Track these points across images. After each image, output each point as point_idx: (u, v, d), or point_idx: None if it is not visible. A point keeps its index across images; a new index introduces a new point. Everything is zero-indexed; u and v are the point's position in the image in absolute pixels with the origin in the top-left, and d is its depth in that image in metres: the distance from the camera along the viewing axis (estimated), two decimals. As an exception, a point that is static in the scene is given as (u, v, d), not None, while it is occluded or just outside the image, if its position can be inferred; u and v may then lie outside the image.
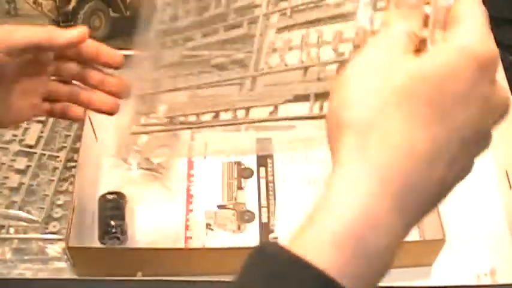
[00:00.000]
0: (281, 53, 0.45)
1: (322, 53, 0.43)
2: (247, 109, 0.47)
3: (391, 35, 0.34)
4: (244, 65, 0.48)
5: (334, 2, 0.43)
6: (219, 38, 0.51)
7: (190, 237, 0.76)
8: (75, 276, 0.67)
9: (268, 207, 0.78)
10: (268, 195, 0.79)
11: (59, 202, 0.77)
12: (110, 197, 0.75)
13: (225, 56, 0.50)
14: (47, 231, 0.73)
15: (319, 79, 0.42)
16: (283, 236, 0.75)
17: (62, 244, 0.69)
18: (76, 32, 0.51)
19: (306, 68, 0.44)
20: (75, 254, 0.66)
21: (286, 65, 0.45)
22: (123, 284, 0.67)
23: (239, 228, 0.77)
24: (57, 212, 0.76)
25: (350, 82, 0.33)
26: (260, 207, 0.78)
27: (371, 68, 0.33)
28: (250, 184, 0.80)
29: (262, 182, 0.80)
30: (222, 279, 0.67)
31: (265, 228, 0.77)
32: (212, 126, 0.49)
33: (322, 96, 0.42)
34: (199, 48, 0.52)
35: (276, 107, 0.45)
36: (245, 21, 0.49)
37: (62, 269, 0.65)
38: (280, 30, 0.47)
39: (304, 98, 0.43)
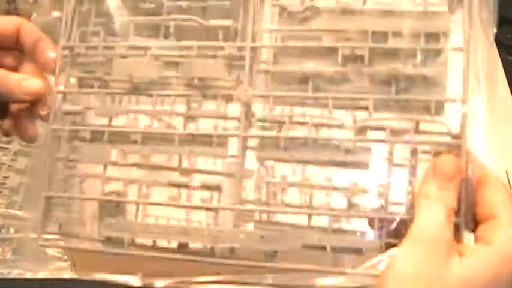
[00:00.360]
0: (274, 188, 0.41)
1: (332, 200, 0.40)
2: (231, 249, 0.41)
3: (434, 224, 0.36)
4: (217, 189, 0.43)
5: (344, 146, 0.40)
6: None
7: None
8: (75, 276, 0.64)
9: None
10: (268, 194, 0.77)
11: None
12: (110, 197, 0.71)
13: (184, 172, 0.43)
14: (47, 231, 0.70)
15: (333, 231, 0.39)
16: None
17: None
18: None
19: (310, 215, 0.40)
20: (75, 254, 0.64)
21: (287, 205, 0.40)
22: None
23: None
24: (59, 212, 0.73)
25: (402, 283, 0.35)
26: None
27: (421, 270, 0.35)
28: (250, 183, 0.78)
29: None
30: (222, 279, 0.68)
31: (264, 228, 0.76)
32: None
33: (340, 250, 0.39)
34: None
35: (274, 252, 0.40)
36: (214, 138, 0.42)
37: (62, 269, 0.63)
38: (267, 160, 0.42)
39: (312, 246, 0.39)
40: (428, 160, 0.39)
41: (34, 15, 0.47)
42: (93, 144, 0.45)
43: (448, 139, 0.40)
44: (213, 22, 0.44)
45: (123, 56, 0.44)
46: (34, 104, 0.46)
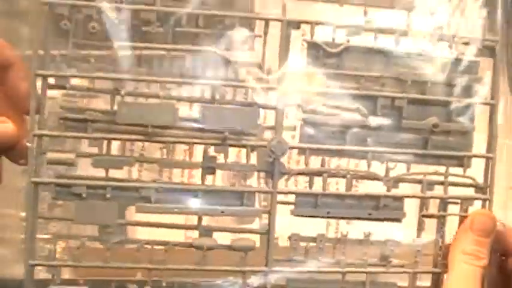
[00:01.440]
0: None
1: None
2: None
3: (469, 281, 0.37)
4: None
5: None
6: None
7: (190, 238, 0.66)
8: (75, 277, 0.61)
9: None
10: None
11: (59, 202, 0.59)
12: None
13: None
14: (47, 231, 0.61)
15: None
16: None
17: (62, 244, 0.61)
18: None
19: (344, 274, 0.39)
20: (75, 254, 0.54)
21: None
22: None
23: (238, 228, 0.70)
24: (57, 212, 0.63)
25: None
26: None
27: None
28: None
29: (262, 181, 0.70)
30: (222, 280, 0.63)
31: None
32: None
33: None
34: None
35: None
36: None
37: (62, 269, 0.56)
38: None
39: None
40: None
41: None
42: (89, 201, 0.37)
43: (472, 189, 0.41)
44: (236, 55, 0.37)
45: (129, 93, 0.36)
46: (7, 152, 0.36)
